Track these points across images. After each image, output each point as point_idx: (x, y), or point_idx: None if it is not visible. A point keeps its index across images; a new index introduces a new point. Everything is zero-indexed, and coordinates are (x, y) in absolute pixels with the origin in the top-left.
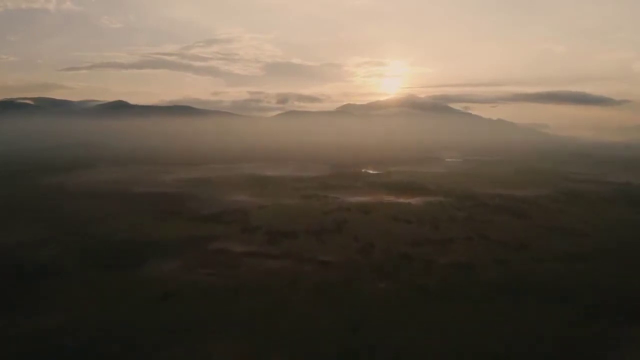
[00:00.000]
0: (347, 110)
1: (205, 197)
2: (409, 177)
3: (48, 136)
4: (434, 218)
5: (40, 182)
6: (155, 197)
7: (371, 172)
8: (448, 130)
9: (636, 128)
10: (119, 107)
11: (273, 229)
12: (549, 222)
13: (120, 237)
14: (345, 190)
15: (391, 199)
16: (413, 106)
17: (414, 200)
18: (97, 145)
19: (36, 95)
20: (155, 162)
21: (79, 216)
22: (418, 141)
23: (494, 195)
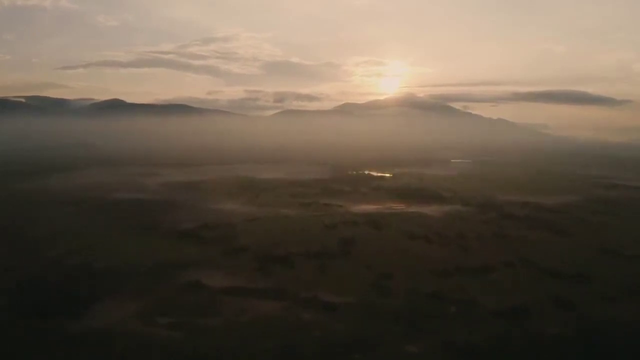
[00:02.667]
0: (346, 110)
1: (189, 206)
2: (417, 180)
3: (39, 136)
4: (458, 235)
5: (13, 186)
6: (132, 206)
7: (375, 174)
8: (448, 129)
9: (638, 129)
10: (115, 106)
11: (264, 252)
12: (597, 240)
13: (73, 263)
14: (349, 197)
15: (402, 207)
16: (413, 106)
17: (430, 210)
18: (90, 145)
19: (32, 94)
20: (146, 163)
21: (35, 231)
22: (419, 141)
23: (519, 204)
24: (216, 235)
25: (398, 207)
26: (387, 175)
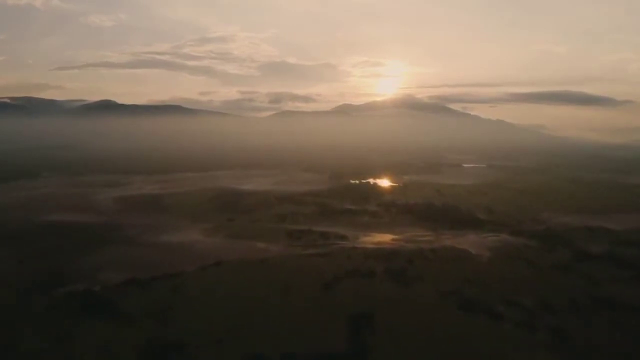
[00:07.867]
0: (343, 111)
1: (132, 237)
2: (435, 193)
3: (18, 137)
4: (539, 303)
5: None
6: (53, 236)
7: (381, 184)
8: (447, 131)
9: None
10: (106, 107)
11: (213, 355)
12: None
13: None
14: (354, 221)
15: (430, 238)
16: (411, 107)
17: (471, 245)
18: (67, 148)
19: (25, 95)
20: (115, 169)
21: None
22: (418, 142)
23: (584, 231)
24: (143, 306)
25: (424, 237)
26: (396, 185)
